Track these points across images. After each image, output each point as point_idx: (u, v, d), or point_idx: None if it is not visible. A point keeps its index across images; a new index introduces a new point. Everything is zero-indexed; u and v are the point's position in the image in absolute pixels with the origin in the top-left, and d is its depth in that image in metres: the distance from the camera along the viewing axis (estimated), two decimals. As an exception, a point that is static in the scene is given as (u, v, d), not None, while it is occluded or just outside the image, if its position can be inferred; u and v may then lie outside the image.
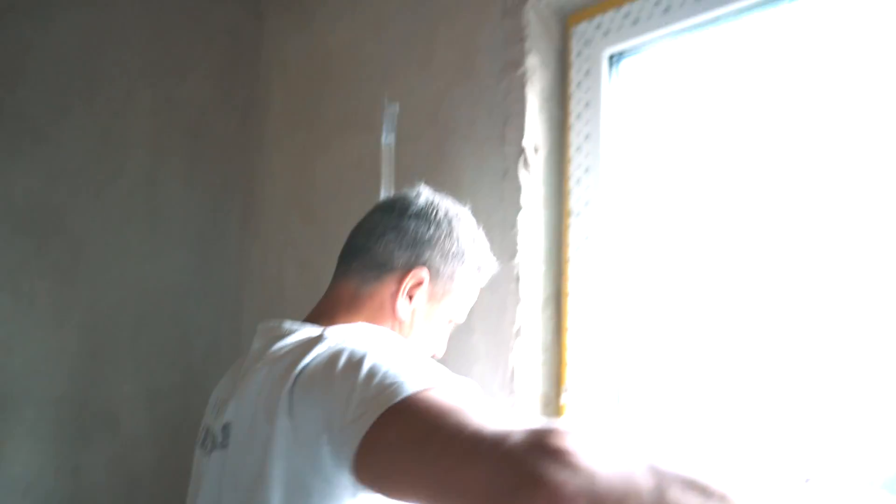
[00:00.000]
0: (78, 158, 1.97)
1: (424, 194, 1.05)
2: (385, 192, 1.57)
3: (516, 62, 1.44)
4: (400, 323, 0.98)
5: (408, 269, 0.98)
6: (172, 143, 2.13)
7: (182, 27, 2.16)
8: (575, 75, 1.48)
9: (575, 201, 1.45)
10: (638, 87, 1.43)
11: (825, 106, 1.14)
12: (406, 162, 1.59)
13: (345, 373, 0.73)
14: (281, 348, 0.86)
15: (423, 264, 0.99)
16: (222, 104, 2.23)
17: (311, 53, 2.08)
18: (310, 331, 0.89)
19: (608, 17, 1.42)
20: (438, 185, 1.50)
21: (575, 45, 1.49)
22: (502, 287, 1.41)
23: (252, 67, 2.29)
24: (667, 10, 1.33)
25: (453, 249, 1.01)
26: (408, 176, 1.50)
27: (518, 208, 1.41)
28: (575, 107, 1.47)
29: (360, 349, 0.76)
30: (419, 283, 0.98)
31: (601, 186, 1.41)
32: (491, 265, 1.11)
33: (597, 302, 1.38)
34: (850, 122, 1.10)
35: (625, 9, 1.40)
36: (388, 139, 1.56)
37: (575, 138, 1.46)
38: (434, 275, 1.00)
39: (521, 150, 1.41)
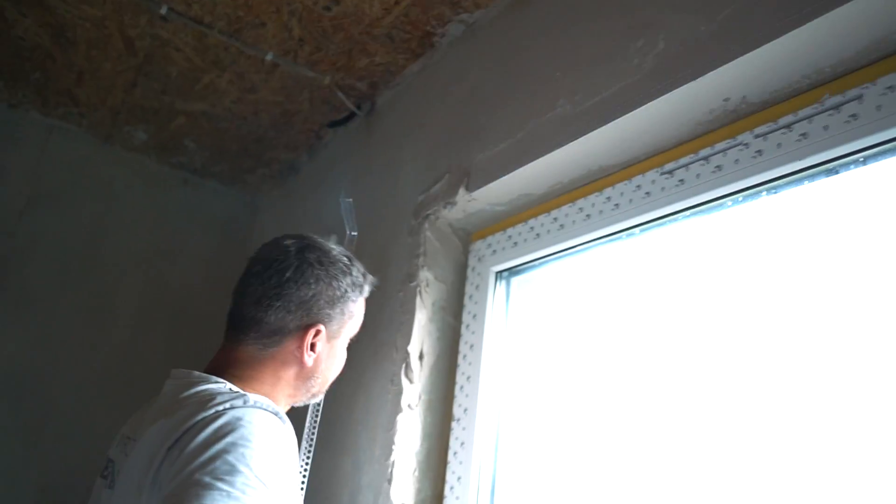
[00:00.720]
0: (66, 329, 2.20)
1: (292, 253, 1.09)
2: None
3: (412, 275, 1.58)
4: (306, 369, 1.09)
5: (304, 328, 1.07)
6: (156, 321, 2.35)
7: (181, 216, 2.47)
8: (468, 289, 1.60)
9: (456, 407, 1.51)
10: (521, 303, 1.52)
11: (681, 324, 1.20)
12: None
13: (199, 446, 0.82)
14: (183, 399, 0.94)
15: (316, 319, 1.08)
16: (208, 287, 2.46)
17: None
18: (213, 387, 0.97)
19: (496, 238, 1.56)
20: (347, 382, 1.61)
21: (471, 262, 1.62)
22: (375, 486, 1.45)
23: (241, 255, 2.54)
24: (537, 236, 1.46)
25: (336, 294, 1.10)
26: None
27: (398, 410, 1.48)
28: (466, 318, 1.58)
29: (229, 428, 0.84)
30: (317, 334, 1.08)
31: (479, 394, 1.47)
32: (369, 280, 1.19)
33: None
34: (709, 340, 1.15)
35: (508, 231, 1.54)
36: (350, 231, 1.65)
37: (462, 347, 1.55)
38: (327, 321, 1.10)
39: (406, 356, 1.51)
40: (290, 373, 1.08)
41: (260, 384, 1.05)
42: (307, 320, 1.07)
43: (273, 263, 1.08)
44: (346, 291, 1.12)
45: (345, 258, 1.15)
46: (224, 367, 1.06)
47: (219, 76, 1.96)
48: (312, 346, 1.08)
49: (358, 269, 1.17)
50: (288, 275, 1.06)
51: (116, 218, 2.35)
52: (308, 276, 1.08)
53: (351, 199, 1.66)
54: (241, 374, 1.04)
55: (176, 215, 2.46)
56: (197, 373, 1.02)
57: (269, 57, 1.82)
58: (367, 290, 1.19)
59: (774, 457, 0.97)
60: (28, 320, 2.16)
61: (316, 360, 1.09)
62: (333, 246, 1.16)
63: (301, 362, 1.08)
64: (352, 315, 1.15)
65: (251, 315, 1.06)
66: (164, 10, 1.68)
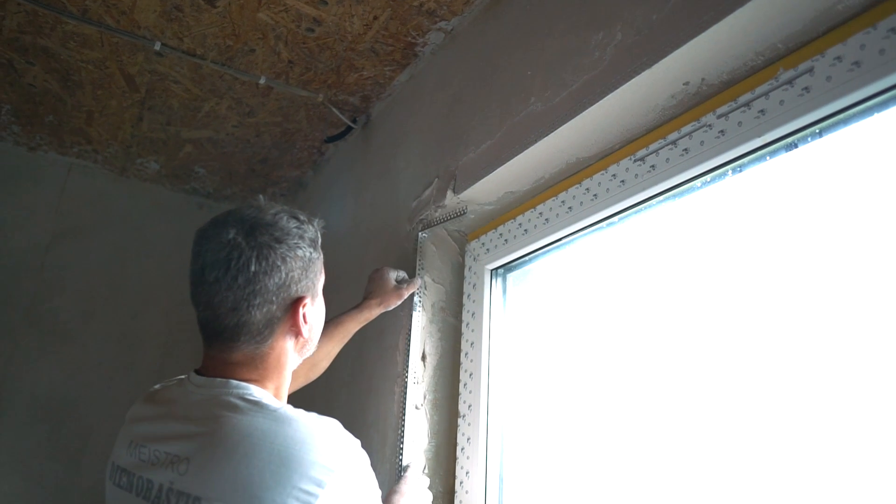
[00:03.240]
0: (96, 355, 2.31)
1: (243, 244, 0.99)
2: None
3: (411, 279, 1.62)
4: (305, 342, 1.09)
5: (291, 308, 1.04)
6: (181, 340, 2.44)
7: (200, 242, 2.56)
8: (466, 288, 1.64)
9: (461, 404, 1.55)
10: (517, 298, 1.56)
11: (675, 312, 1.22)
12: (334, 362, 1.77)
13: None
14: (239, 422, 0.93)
15: (298, 293, 1.04)
16: (229, 305, 2.55)
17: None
18: (261, 404, 0.96)
19: (488, 237, 1.60)
20: (358, 386, 1.67)
21: (467, 261, 1.66)
22: (388, 485, 1.49)
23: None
24: (525, 231, 1.49)
25: (304, 261, 1.05)
26: (332, 381, 1.67)
27: (405, 411, 1.52)
28: (465, 316, 1.62)
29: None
30: (304, 305, 1.05)
31: (483, 390, 1.50)
32: (318, 225, 1.14)
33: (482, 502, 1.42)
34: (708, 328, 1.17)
35: (499, 229, 1.57)
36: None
37: (464, 345, 1.59)
38: (307, 289, 1.06)
39: (410, 358, 1.55)
40: (289, 352, 1.07)
41: (269, 381, 1.05)
42: (290, 299, 1.03)
43: (230, 263, 0.98)
44: (309, 254, 1.07)
45: (292, 220, 1.07)
46: (226, 371, 1.03)
47: (218, 103, 2.04)
48: (304, 317, 1.06)
49: (306, 223, 1.10)
50: (253, 268, 0.98)
51: (137, 246, 2.46)
52: (273, 260, 1.00)
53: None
54: (248, 377, 1.03)
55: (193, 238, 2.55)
56: (234, 381, 1.00)
57: (262, 81, 1.89)
58: (320, 236, 1.14)
59: (780, 442, 0.99)
60: (61, 350, 2.27)
61: (311, 321, 1.08)
62: (269, 209, 1.07)
63: (298, 335, 1.06)
64: (321, 269, 1.13)
65: (234, 322, 1.00)
66: (157, 46, 1.77)
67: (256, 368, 1.04)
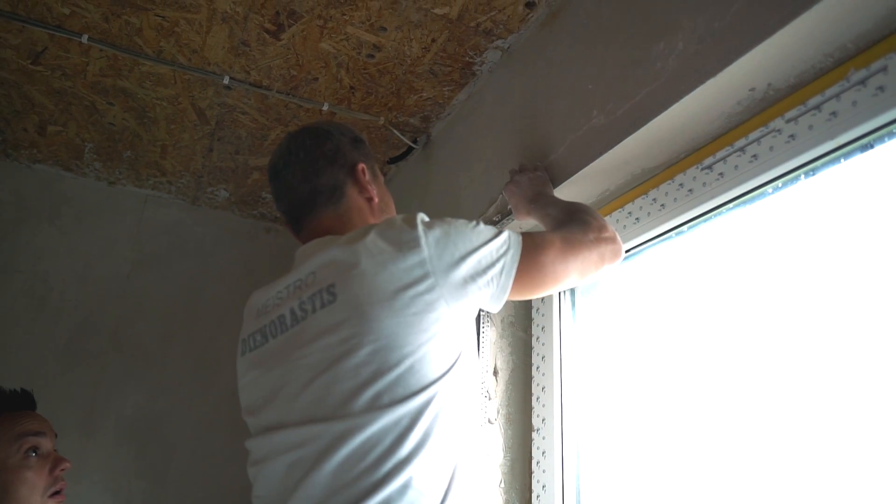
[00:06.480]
0: (177, 377, 2.41)
1: (293, 137, 1.20)
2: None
3: (478, 294, 1.64)
4: (378, 205, 1.20)
5: (351, 173, 1.18)
6: (255, 360, 2.52)
7: (268, 262, 2.65)
8: (535, 302, 1.65)
9: (535, 418, 1.55)
10: (586, 311, 1.56)
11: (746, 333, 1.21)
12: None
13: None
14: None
15: (354, 159, 1.19)
16: (299, 325, 2.63)
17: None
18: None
19: (555, 251, 1.61)
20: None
21: (534, 275, 1.67)
22: None
23: (326, 292, 2.70)
24: (593, 245, 1.49)
25: (349, 140, 1.21)
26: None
27: (479, 425, 1.54)
28: (535, 330, 1.63)
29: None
30: (364, 172, 1.19)
31: (556, 404, 1.51)
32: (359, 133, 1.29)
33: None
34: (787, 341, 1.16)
35: (565, 243, 1.57)
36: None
37: (535, 359, 1.60)
38: (362, 159, 1.20)
39: (482, 373, 1.57)
40: (368, 214, 1.18)
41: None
42: (348, 165, 1.17)
43: (289, 153, 1.17)
44: (354, 137, 1.23)
45: (333, 125, 1.26)
46: (332, 231, 1.12)
47: (283, 131, 2.11)
48: (369, 184, 1.18)
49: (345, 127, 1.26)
50: (307, 143, 1.17)
51: (210, 271, 2.56)
52: (322, 136, 1.18)
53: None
54: (341, 233, 1.10)
55: (263, 262, 2.65)
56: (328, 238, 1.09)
57: (325, 108, 1.96)
58: (365, 138, 1.28)
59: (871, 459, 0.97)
60: (144, 373, 2.38)
61: (379, 193, 1.21)
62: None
63: (371, 198, 1.18)
64: (372, 157, 1.25)
65: (307, 190, 1.14)
66: (226, 81, 1.85)
67: (344, 226, 1.14)
